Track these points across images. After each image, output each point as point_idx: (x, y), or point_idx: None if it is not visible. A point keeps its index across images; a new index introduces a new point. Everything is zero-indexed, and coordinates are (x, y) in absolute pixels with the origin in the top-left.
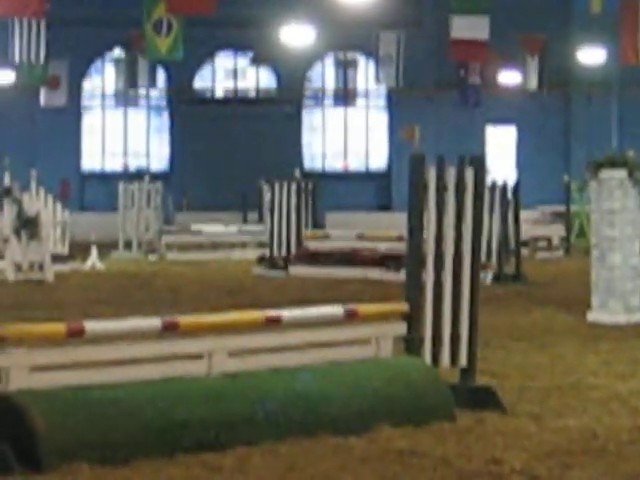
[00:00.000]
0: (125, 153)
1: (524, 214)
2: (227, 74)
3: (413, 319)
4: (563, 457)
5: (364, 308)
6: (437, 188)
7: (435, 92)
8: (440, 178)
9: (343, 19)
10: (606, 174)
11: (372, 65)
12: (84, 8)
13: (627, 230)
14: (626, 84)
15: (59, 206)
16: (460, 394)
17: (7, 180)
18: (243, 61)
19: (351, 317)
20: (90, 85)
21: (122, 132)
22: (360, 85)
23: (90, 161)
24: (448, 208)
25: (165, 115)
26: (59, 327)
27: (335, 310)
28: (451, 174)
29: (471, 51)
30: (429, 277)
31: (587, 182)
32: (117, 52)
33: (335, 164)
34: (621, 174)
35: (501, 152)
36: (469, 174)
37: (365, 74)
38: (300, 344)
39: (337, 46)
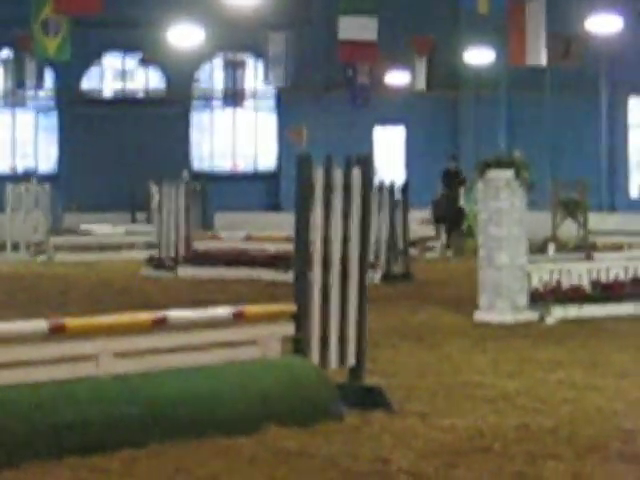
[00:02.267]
0: (13, 154)
1: (413, 214)
2: (115, 75)
3: (301, 319)
4: (450, 456)
5: (252, 309)
6: (324, 188)
7: (324, 92)
8: (327, 178)
9: (231, 19)
10: (493, 174)
11: (261, 65)
12: None
13: (514, 230)
14: (514, 84)
15: None
16: (348, 394)
17: None
18: (131, 62)
19: (239, 318)
20: None
21: (10, 133)
22: (249, 86)
23: None
24: (335, 208)
25: (53, 116)
26: None
27: (223, 311)
28: (338, 174)
29: (359, 52)
30: (316, 277)
31: (475, 182)
32: (5, 52)
33: (224, 165)
34: (508, 174)
35: (390, 152)
36: (356, 174)
37: (254, 74)
38: (188, 345)
39: (226, 46)
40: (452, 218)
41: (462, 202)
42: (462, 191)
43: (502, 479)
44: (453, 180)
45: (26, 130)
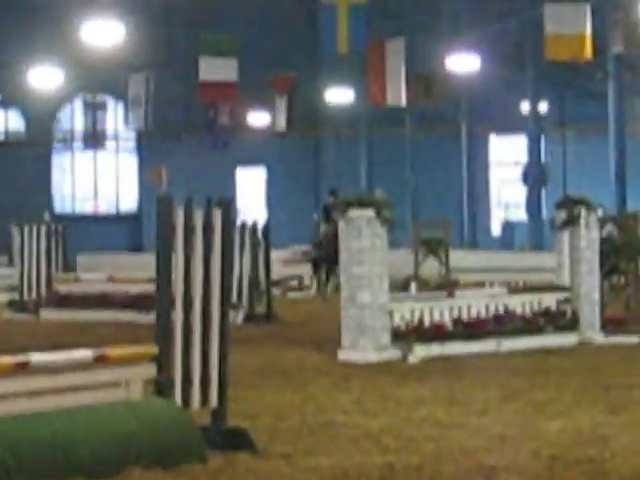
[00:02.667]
0: None
1: (275, 254)
2: None
3: (163, 361)
4: None
5: (114, 351)
6: (184, 230)
7: (185, 134)
8: (188, 220)
9: (92, 61)
10: (354, 213)
11: (121, 107)
12: None
13: (376, 268)
14: (374, 124)
15: None
16: (211, 436)
17: None
18: None
19: (101, 360)
20: None
21: None
22: (110, 127)
23: None
24: (196, 249)
25: None
26: None
27: (84, 354)
28: (198, 215)
29: (220, 92)
30: (178, 318)
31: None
32: None
33: (85, 206)
34: (369, 213)
35: (251, 193)
36: (217, 215)
37: (114, 116)
38: (50, 389)
39: (86, 88)
40: (333, 256)
41: None
42: None
43: None
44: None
45: None
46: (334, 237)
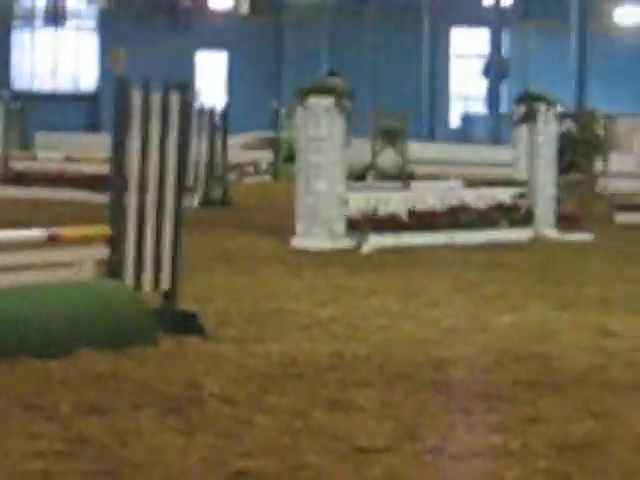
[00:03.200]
0: None
1: (234, 139)
2: None
3: (116, 242)
4: (263, 382)
5: (67, 231)
6: (142, 112)
7: (146, 16)
8: (145, 102)
9: None
10: (313, 101)
11: None
12: None
13: (333, 157)
14: (338, 11)
15: None
16: (163, 318)
17: None
18: None
19: (54, 240)
20: None
21: None
22: (71, 5)
23: None
24: (152, 132)
25: None
26: None
27: (38, 233)
28: (156, 98)
29: None
30: (132, 200)
31: (295, 108)
32: None
33: (44, 84)
34: (328, 101)
35: (212, 78)
36: (174, 99)
37: None
38: (1, 266)
39: None
40: None
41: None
42: None
43: (314, 405)
44: None
45: None
46: None
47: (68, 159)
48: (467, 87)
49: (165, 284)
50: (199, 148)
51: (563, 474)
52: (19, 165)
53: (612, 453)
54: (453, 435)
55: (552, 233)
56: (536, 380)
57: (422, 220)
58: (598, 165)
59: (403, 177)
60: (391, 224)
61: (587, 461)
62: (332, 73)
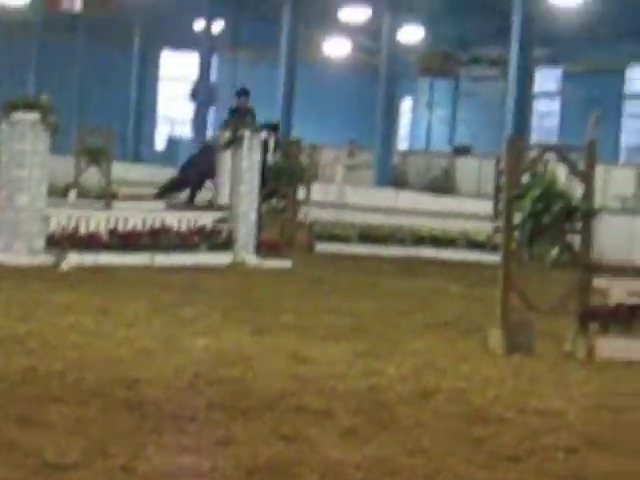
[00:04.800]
0: None
1: None
2: None
3: None
4: None
5: None
6: None
7: None
8: None
9: None
10: (19, 116)
11: None
12: None
13: (36, 172)
14: (47, 28)
15: None
16: None
17: None
18: None
19: None
20: None
21: None
22: None
23: None
24: None
25: None
26: None
27: None
28: None
29: None
30: None
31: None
32: None
33: None
34: (33, 116)
35: None
36: None
37: None
38: None
39: None
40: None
41: None
42: None
43: (6, 420)
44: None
45: None
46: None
47: None
48: (174, 110)
49: None
50: None
51: None
52: None
53: (300, 476)
54: (144, 454)
55: (252, 259)
56: (229, 403)
57: (123, 240)
58: (301, 193)
59: (106, 196)
60: (91, 243)
61: None
62: (244, 92)
